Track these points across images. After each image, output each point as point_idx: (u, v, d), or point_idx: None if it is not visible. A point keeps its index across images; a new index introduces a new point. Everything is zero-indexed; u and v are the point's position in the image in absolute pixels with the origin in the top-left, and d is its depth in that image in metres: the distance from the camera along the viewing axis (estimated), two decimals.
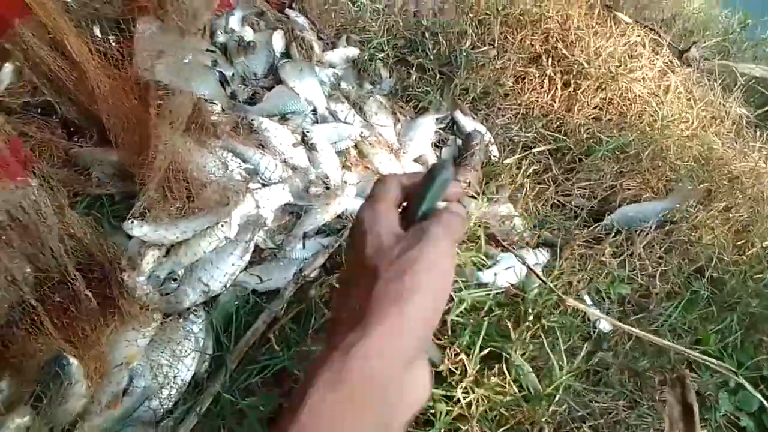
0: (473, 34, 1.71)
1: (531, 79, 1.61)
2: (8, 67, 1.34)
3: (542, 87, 1.57)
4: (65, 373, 0.95)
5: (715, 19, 1.97)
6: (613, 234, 1.31)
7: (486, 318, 1.05)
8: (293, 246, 1.22)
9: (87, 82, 1.25)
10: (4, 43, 1.32)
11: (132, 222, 1.15)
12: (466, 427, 0.94)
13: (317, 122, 1.40)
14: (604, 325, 1.18)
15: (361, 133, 1.37)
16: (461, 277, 1.11)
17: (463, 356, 1.00)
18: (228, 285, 1.17)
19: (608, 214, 1.35)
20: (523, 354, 1.03)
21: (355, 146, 1.37)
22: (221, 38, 1.43)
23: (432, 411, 0.96)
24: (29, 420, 0.93)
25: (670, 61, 1.63)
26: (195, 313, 1.15)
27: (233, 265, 1.18)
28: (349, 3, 1.85)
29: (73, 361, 0.97)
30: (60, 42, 1.24)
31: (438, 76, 1.58)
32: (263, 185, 1.28)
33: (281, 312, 1.08)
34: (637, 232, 1.31)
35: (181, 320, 1.14)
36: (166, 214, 1.18)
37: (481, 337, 1.01)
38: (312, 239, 1.23)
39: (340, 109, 1.41)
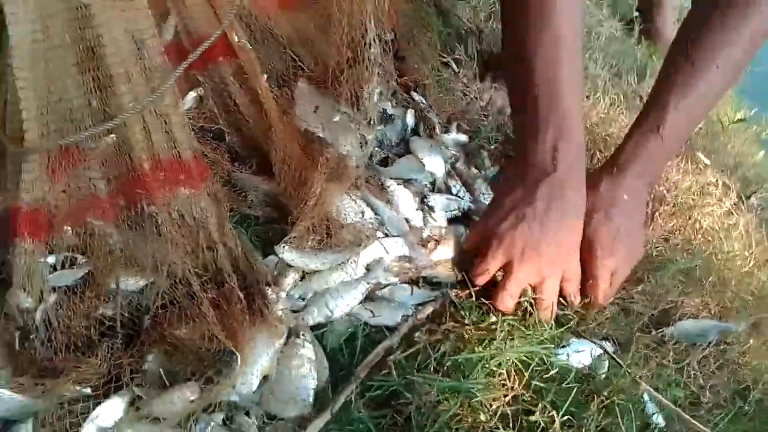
0: None
1: None
2: (192, 93, 1.60)
3: None
4: (231, 368, 1.14)
5: None
6: (674, 342, 1.49)
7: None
8: (403, 291, 1.43)
9: (265, 121, 1.51)
10: (197, 74, 1.59)
11: (284, 246, 1.37)
12: None
13: (433, 191, 1.63)
14: (660, 420, 1.35)
15: (469, 207, 1.61)
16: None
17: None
18: (345, 313, 1.38)
19: (671, 324, 1.54)
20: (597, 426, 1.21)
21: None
22: (366, 107, 1.69)
23: None
24: (197, 395, 1.11)
25: (735, 204, 1.86)
26: (304, 336, 1.34)
27: (354, 298, 1.39)
28: (461, 94, 2.13)
29: (238, 360, 1.16)
30: (250, 83, 1.52)
31: None
32: (386, 235, 1.50)
33: (396, 345, 1.28)
34: (694, 346, 1.50)
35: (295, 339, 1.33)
36: (309, 245, 1.41)
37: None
38: (421, 288, 1.44)
39: (453, 184, 1.64)
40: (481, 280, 1.26)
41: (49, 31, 1.19)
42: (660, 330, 1.52)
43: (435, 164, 1.65)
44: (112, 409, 1.12)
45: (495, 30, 2.45)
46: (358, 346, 1.31)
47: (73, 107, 1.20)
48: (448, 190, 1.64)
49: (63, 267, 1.27)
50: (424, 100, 1.92)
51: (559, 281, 1.22)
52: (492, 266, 1.21)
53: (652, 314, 1.59)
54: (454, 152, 1.74)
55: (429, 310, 1.36)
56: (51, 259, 1.26)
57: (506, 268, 1.20)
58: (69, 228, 1.29)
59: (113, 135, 1.28)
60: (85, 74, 1.21)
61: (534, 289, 1.24)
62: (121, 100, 1.23)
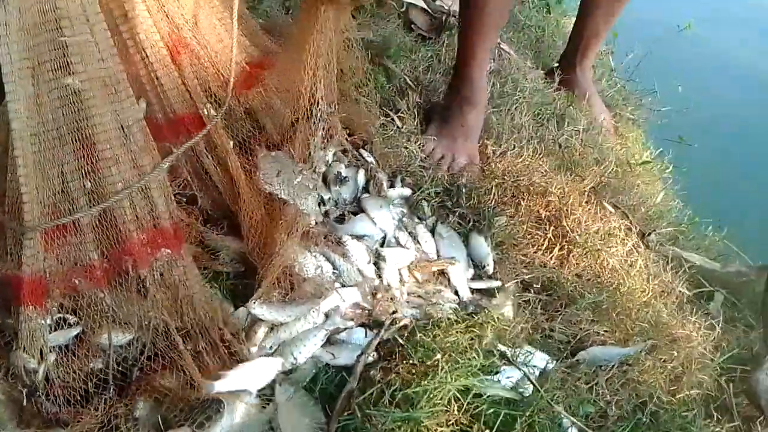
0: (495, 194, 2.26)
1: (534, 237, 2.15)
2: (165, 164, 1.78)
3: (543, 245, 2.11)
4: (220, 414, 1.33)
5: (671, 212, 2.59)
6: (584, 365, 1.79)
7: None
8: (357, 334, 1.67)
9: (233, 187, 1.72)
10: (170, 145, 1.77)
11: (254, 302, 1.58)
12: None
13: (382, 245, 1.88)
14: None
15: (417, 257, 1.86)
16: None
17: None
18: (308, 358, 1.59)
19: (582, 352, 1.83)
20: None
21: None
22: (322, 168, 1.92)
23: None
24: None
25: (635, 243, 2.20)
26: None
27: (315, 344, 1.61)
28: (404, 149, 2.38)
29: (225, 407, 1.35)
30: (221, 153, 1.72)
31: (470, 222, 2.11)
32: (342, 285, 1.73)
33: (355, 386, 1.51)
34: (602, 368, 1.79)
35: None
36: (275, 298, 1.62)
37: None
38: (374, 330, 1.68)
39: (401, 236, 1.90)
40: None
41: (46, 123, 1.37)
42: (574, 356, 1.81)
43: (385, 221, 1.91)
44: None
45: (433, 81, 2.73)
46: (320, 387, 1.53)
47: (70, 190, 1.38)
48: (398, 243, 1.89)
49: (57, 328, 1.43)
50: (372, 158, 2.16)
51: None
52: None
53: (569, 341, 1.88)
54: (400, 208, 2.00)
55: (375, 342, 1.61)
56: (46, 321, 1.42)
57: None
58: (59, 291, 1.45)
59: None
60: (79, 160, 1.39)
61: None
62: (112, 181, 1.42)
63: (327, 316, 1.67)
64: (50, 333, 1.41)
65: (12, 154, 1.33)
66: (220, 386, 1.42)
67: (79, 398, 1.36)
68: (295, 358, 1.57)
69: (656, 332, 1.93)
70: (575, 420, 1.56)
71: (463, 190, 2.20)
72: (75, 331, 1.43)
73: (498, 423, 1.48)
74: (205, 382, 1.38)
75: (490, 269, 1.99)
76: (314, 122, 1.90)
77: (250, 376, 1.49)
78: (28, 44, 1.32)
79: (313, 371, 1.57)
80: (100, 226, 1.45)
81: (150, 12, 1.63)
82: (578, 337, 1.88)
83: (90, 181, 1.40)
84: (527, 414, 1.54)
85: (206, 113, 1.71)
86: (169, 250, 1.54)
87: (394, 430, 1.42)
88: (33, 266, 1.35)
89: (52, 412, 1.32)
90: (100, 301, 1.48)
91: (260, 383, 1.49)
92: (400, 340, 1.62)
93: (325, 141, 2.00)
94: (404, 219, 1.99)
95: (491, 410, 1.50)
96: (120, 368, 1.43)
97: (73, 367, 1.39)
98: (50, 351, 1.38)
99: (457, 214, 2.14)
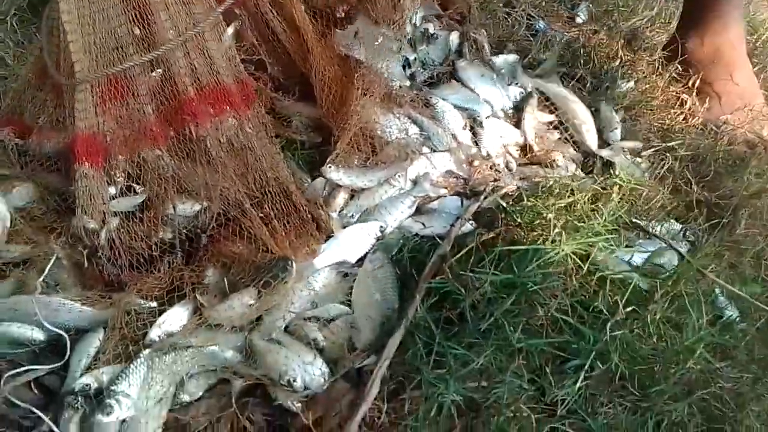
0: (621, 57, 1.87)
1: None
2: (231, 29, 1.61)
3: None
4: (287, 272, 1.18)
5: None
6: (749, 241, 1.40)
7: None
8: (453, 202, 1.42)
9: (303, 47, 1.51)
10: (235, 8, 1.59)
11: (330, 167, 1.38)
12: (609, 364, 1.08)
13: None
14: (733, 311, 1.28)
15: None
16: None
17: None
18: (395, 227, 1.37)
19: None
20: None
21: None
22: (408, 29, 1.66)
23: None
24: (254, 299, 1.16)
25: None
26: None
27: (402, 212, 1.39)
28: (506, 17, 2.05)
29: (294, 266, 1.19)
30: (287, 11, 1.52)
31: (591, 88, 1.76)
32: (432, 151, 1.48)
33: (448, 250, 1.27)
34: None
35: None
36: (355, 164, 1.41)
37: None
38: (471, 200, 1.42)
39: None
40: None
41: None
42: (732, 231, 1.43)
43: (491, 94, 1.62)
44: (177, 315, 1.17)
45: None
46: (408, 255, 1.31)
47: (118, 37, 1.24)
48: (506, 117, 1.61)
49: (123, 195, 1.32)
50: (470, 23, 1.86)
51: None
52: None
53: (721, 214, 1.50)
54: (522, 90, 1.68)
55: (474, 207, 1.34)
56: (112, 190, 1.32)
57: None
58: (123, 157, 1.33)
59: (159, 69, 1.33)
60: (126, 3, 1.25)
61: None
62: (162, 27, 1.27)
63: (415, 182, 1.43)
64: (114, 199, 1.30)
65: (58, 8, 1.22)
66: (318, 262, 1.28)
67: (143, 262, 1.25)
68: (382, 226, 1.35)
69: None
70: (740, 292, 1.21)
71: (581, 53, 1.85)
72: (140, 198, 1.32)
73: (627, 294, 1.17)
74: (302, 259, 1.25)
75: (617, 135, 1.64)
76: None
77: (346, 245, 1.32)
78: None
79: (401, 242, 1.34)
80: (157, 84, 1.30)
81: None
82: (734, 207, 1.49)
83: (138, 28, 1.25)
84: (669, 285, 1.21)
85: None
86: (234, 114, 1.37)
87: (495, 298, 1.16)
88: (86, 121, 1.24)
89: (113, 275, 1.21)
90: (166, 169, 1.34)
91: (358, 252, 1.33)
92: (504, 204, 1.35)
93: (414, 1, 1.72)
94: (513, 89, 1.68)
95: (619, 279, 1.19)
96: (187, 235, 1.30)
97: (139, 233, 1.27)
98: (114, 215, 1.27)
99: (575, 78, 1.79)
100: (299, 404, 1.08)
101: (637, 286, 1.20)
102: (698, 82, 1.79)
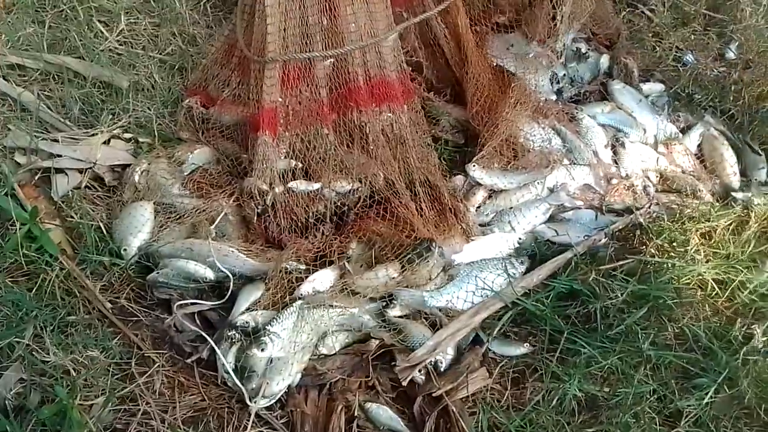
0: None
1: None
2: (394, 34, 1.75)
3: None
4: (430, 252, 1.29)
5: None
6: None
7: None
8: (587, 215, 1.46)
9: (461, 53, 1.63)
10: (402, 10, 1.72)
11: (474, 165, 1.48)
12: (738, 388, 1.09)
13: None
14: None
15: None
16: None
17: None
18: (527, 231, 1.44)
19: None
20: None
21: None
22: (558, 46, 1.73)
23: None
24: (398, 273, 1.28)
25: None
26: None
27: (537, 217, 1.45)
28: (655, 47, 2.06)
29: (437, 247, 1.30)
30: (450, 19, 1.64)
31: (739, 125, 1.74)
32: (573, 163, 1.54)
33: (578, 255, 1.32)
34: None
35: None
36: (495, 166, 1.50)
37: None
38: (606, 216, 1.46)
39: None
40: None
41: None
42: None
43: (646, 119, 1.66)
44: (326, 277, 1.29)
45: None
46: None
47: (308, 25, 1.40)
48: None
49: (287, 167, 1.47)
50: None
51: None
52: None
53: None
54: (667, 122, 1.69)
55: (619, 226, 1.38)
56: (282, 164, 1.47)
57: None
58: (297, 131, 1.48)
59: (332, 58, 1.48)
60: None
61: None
62: (345, 22, 1.42)
63: (551, 191, 1.49)
64: (280, 168, 1.45)
65: None
66: (460, 257, 1.38)
67: (299, 226, 1.39)
68: (512, 228, 1.43)
69: None
70: None
71: (731, 89, 1.83)
72: (316, 185, 1.43)
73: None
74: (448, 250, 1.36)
75: (762, 176, 1.62)
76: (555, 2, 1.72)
77: (485, 249, 1.41)
78: None
79: (532, 245, 1.41)
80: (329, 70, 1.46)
81: None
82: None
83: (327, 18, 1.40)
84: None
85: None
86: (392, 106, 1.50)
87: (626, 309, 1.20)
88: (271, 95, 1.41)
89: (276, 233, 1.36)
90: (329, 147, 1.49)
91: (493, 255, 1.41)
92: (642, 221, 1.38)
93: (568, 22, 1.79)
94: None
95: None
96: (338, 211, 1.43)
97: (298, 201, 1.42)
98: (280, 181, 1.42)
99: (725, 113, 1.78)
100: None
101: None
102: None
